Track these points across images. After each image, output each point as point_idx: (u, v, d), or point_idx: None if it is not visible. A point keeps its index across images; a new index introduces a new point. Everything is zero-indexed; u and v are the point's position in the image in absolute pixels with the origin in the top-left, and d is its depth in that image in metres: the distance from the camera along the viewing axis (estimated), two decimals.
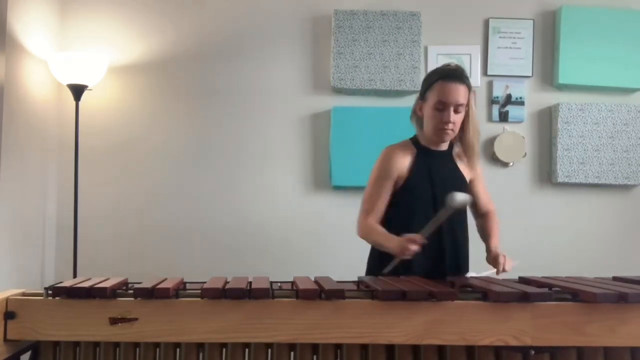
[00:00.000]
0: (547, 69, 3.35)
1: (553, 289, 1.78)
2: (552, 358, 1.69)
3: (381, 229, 2.11)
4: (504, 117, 3.32)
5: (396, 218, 2.17)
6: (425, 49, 3.32)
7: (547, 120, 3.35)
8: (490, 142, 3.30)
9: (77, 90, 3.04)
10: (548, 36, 3.36)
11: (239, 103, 3.30)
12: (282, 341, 1.65)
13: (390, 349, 1.69)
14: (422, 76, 3.27)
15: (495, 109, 3.32)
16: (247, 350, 1.70)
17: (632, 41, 3.28)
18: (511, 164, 3.31)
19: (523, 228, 3.30)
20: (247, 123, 3.30)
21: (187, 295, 1.71)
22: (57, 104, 3.23)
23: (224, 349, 1.69)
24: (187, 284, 1.89)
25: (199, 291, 1.68)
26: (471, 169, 2.25)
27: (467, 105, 2.12)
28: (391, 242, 2.02)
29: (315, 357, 1.70)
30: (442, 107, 2.08)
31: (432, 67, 3.30)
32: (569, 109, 3.26)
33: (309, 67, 3.33)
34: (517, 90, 3.32)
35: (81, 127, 3.12)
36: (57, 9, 3.23)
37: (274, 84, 3.31)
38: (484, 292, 1.70)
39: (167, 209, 3.27)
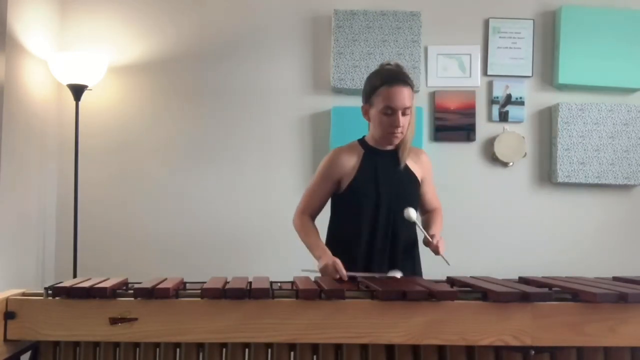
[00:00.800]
0: (547, 69, 3.35)
1: (553, 289, 1.78)
2: (552, 358, 1.69)
3: (314, 232, 2.19)
4: (504, 117, 3.32)
5: (343, 217, 2.21)
6: (425, 49, 3.32)
7: (547, 120, 3.35)
8: (490, 142, 3.30)
9: (77, 90, 3.04)
10: (548, 36, 3.36)
11: (239, 103, 3.30)
12: (282, 341, 1.65)
13: (390, 349, 1.69)
14: (422, 76, 3.30)
15: (495, 109, 3.32)
16: (247, 350, 1.70)
17: (632, 41, 3.28)
18: (511, 164, 3.31)
19: (523, 228, 3.30)
20: (247, 123, 3.30)
21: (187, 295, 1.71)
22: (57, 104, 3.23)
23: (224, 349, 1.69)
24: (187, 284, 1.89)
25: (199, 291, 1.68)
26: (424, 165, 2.25)
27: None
28: (318, 253, 2.10)
29: (315, 357, 1.69)
30: (391, 112, 2.08)
31: (432, 67, 3.32)
32: (569, 109, 3.26)
33: (309, 67, 3.33)
34: (517, 90, 3.32)
35: (81, 127, 3.12)
36: (57, 9, 3.23)
37: (274, 84, 3.31)
38: (484, 292, 1.70)
39: (167, 208, 3.27)
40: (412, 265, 2.23)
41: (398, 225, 2.14)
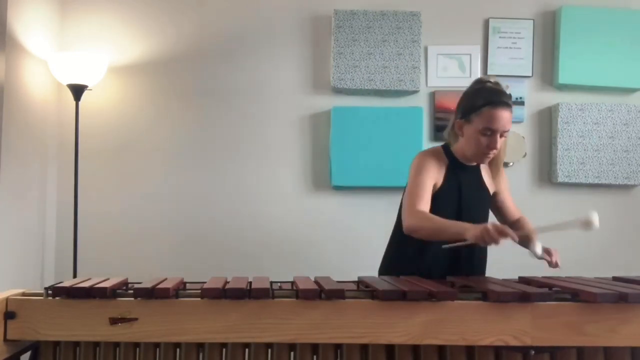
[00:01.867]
0: (547, 69, 3.35)
1: (553, 289, 1.78)
2: (552, 358, 1.69)
3: (436, 217, 1.99)
4: None
5: None
6: (425, 49, 3.32)
7: (547, 120, 3.35)
8: None
9: (77, 90, 3.04)
10: (548, 36, 3.36)
11: (239, 103, 3.30)
12: (282, 341, 1.65)
13: (390, 349, 1.69)
14: (422, 76, 3.30)
15: None
16: (247, 350, 1.70)
17: (632, 41, 3.28)
18: (511, 164, 3.31)
19: None
20: (247, 123, 3.30)
21: (187, 295, 1.70)
22: (57, 104, 3.23)
23: (224, 349, 1.69)
24: (187, 284, 1.89)
25: (199, 291, 1.68)
26: (495, 182, 2.26)
27: None
28: (459, 226, 1.91)
29: (315, 357, 1.69)
30: (490, 133, 2.03)
31: (432, 67, 3.32)
32: (569, 109, 3.26)
33: (309, 67, 3.33)
34: (517, 90, 3.32)
35: (81, 127, 3.12)
36: (57, 9, 3.23)
37: (274, 84, 3.31)
38: (484, 292, 1.70)
39: (167, 208, 3.27)
40: (483, 267, 2.27)
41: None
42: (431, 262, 2.12)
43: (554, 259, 2.12)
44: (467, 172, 2.18)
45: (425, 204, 2.04)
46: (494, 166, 2.23)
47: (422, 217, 1.99)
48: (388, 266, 2.24)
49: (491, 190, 2.25)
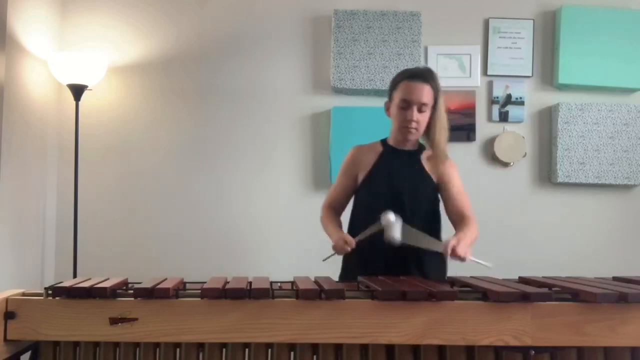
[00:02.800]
0: (547, 69, 3.35)
1: (553, 289, 1.78)
2: (552, 358, 1.69)
3: (333, 220, 2.24)
4: (504, 117, 3.32)
5: (357, 215, 2.26)
6: (425, 49, 3.32)
7: (547, 120, 3.35)
8: (490, 142, 3.30)
9: (77, 90, 3.04)
10: (548, 36, 3.36)
11: (239, 103, 3.30)
12: (282, 341, 1.65)
13: (390, 349, 1.69)
14: None
15: (495, 109, 3.32)
16: (247, 350, 1.70)
17: (632, 41, 3.28)
18: (511, 164, 3.31)
19: (523, 228, 3.30)
20: (247, 123, 3.30)
21: (187, 295, 1.71)
22: (57, 104, 3.23)
23: (224, 349, 1.69)
24: (187, 284, 1.88)
25: (199, 291, 1.68)
26: (439, 169, 2.20)
27: (435, 106, 2.15)
28: (332, 235, 2.14)
29: (315, 357, 1.69)
30: (406, 105, 2.13)
31: (432, 67, 3.28)
32: (569, 109, 3.26)
33: (309, 67, 3.33)
34: (517, 90, 3.32)
35: (81, 127, 3.12)
36: (57, 9, 3.23)
37: (274, 84, 3.31)
38: (484, 292, 1.70)
39: (167, 208, 3.27)
40: (437, 264, 2.15)
41: (413, 222, 2.06)
42: (378, 262, 2.10)
43: (451, 249, 1.94)
44: (402, 157, 2.21)
45: (336, 202, 2.30)
46: (433, 154, 2.21)
47: (322, 217, 2.29)
48: (345, 266, 2.26)
49: (435, 179, 2.20)
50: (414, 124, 2.13)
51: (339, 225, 2.24)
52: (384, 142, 2.28)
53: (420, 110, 2.12)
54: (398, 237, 1.98)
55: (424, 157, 2.23)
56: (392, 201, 2.12)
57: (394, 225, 1.99)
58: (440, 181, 2.21)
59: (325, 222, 2.26)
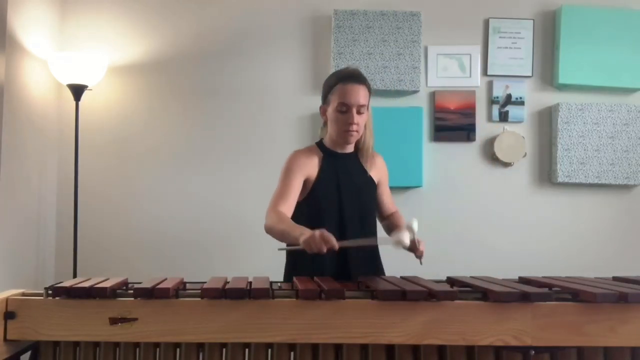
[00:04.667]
0: (547, 69, 3.35)
1: (553, 289, 1.78)
2: (552, 358, 1.69)
3: (288, 219, 2.03)
4: (504, 117, 3.32)
5: (304, 221, 2.07)
6: (425, 49, 3.32)
7: (547, 120, 3.35)
8: (490, 142, 3.30)
9: (77, 90, 3.04)
10: (548, 36, 3.36)
11: (239, 103, 3.30)
12: (282, 341, 1.65)
13: (390, 349, 1.69)
14: (422, 76, 3.30)
15: (495, 109, 3.32)
16: (247, 350, 1.70)
17: (632, 41, 3.28)
18: (511, 164, 3.31)
19: (523, 228, 3.30)
20: (247, 123, 3.30)
21: (187, 295, 1.71)
22: (57, 104, 3.23)
23: (224, 349, 1.69)
24: (187, 284, 1.88)
25: (199, 291, 1.68)
26: (379, 169, 2.25)
27: (368, 106, 2.15)
28: (298, 231, 1.90)
29: (315, 357, 1.69)
30: (345, 109, 2.09)
31: (432, 67, 3.32)
32: (569, 109, 3.26)
33: (309, 67, 3.32)
34: (517, 90, 3.32)
35: (81, 127, 3.12)
36: (57, 9, 3.23)
37: (274, 84, 3.31)
38: (484, 292, 1.70)
39: (167, 209, 3.27)
40: (375, 268, 2.21)
41: (359, 229, 2.13)
42: (321, 262, 2.07)
43: (421, 248, 2.01)
44: (343, 160, 2.20)
45: (287, 205, 2.08)
46: (362, 154, 2.21)
47: (277, 218, 2.03)
48: (288, 267, 2.26)
49: (375, 180, 2.24)
50: (354, 127, 2.10)
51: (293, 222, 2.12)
52: (320, 145, 2.23)
53: (359, 112, 2.10)
54: (407, 242, 1.96)
55: (369, 158, 2.22)
56: (342, 207, 2.13)
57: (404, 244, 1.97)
58: (379, 181, 2.27)
59: (278, 220, 2.01)
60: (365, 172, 2.21)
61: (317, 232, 1.82)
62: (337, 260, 2.10)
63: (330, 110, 2.14)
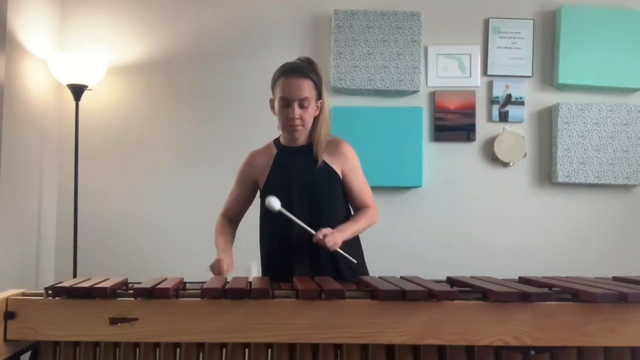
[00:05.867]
0: (547, 69, 3.35)
1: (553, 289, 1.78)
2: (552, 358, 1.68)
3: (225, 232, 2.24)
4: (504, 117, 3.32)
5: (262, 222, 2.21)
6: (425, 49, 3.32)
7: (547, 120, 3.35)
8: (490, 142, 3.30)
9: (77, 90, 3.04)
10: (548, 36, 3.36)
11: (239, 103, 3.30)
12: (282, 341, 1.65)
13: (390, 349, 1.69)
14: (422, 76, 3.31)
15: (495, 109, 3.32)
16: (247, 350, 1.70)
17: (632, 41, 3.28)
18: (511, 164, 3.31)
19: (523, 228, 3.30)
20: (247, 123, 3.29)
21: (187, 295, 1.70)
22: (57, 104, 3.23)
23: (224, 349, 1.69)
24: (187, 284, 1.88)
25: (199, 291, 1.68)
26: (341, 160, 2.14)
27: (320, 97, 2.10)
28: (217, 251, 2.16)
29: (315, 357, 1.69)
30: (286, 103, 2.06)
31: (432, 67, 3.32)
32: (569, 109, 3.26)
33: None
34: (517, 90, 3.32)
35: (81, 127, 3.12)
36: (57, 9, 3.23)
37: None
38: (484, 292, 1.70)
39: (167, 208, 3.27)
40: (334, 263, 2.10)
41: (315, 222, 2.05)
42: (282, 255, 2.12)
43: (319, 237, 1.99)
44: (296, 154, 2.14)
45: (227, 211, 2.28)
46: (316, 144, 2.12)
47: (217, 227, 2.27)
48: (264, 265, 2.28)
49: (337, 170, 2.13)
50: (297, 122, 2.06)
51: (230, 239, 2.23)
52: (276, 142, 2.21)
53: (302, 106, 2.05)
54: (277, 206, 2.02)
55: (322, 149, 2.13)
56: (291, 200, 2.07)
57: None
58: (343, 172, 2.15)
59: (216, 234, 2.22)
60: (323, 163, 2.11)
61: (215, 260, 2.09)
62: (287, 255, 2.12)
63: (276, 104, 2.10)
